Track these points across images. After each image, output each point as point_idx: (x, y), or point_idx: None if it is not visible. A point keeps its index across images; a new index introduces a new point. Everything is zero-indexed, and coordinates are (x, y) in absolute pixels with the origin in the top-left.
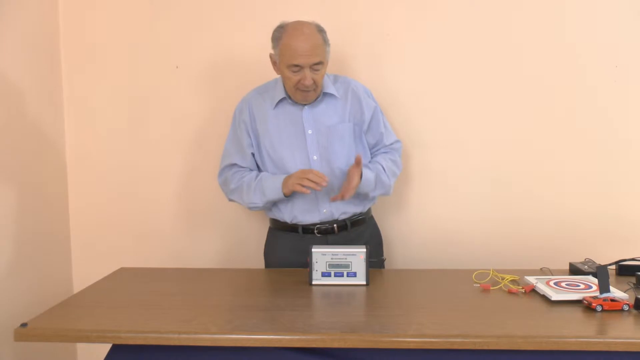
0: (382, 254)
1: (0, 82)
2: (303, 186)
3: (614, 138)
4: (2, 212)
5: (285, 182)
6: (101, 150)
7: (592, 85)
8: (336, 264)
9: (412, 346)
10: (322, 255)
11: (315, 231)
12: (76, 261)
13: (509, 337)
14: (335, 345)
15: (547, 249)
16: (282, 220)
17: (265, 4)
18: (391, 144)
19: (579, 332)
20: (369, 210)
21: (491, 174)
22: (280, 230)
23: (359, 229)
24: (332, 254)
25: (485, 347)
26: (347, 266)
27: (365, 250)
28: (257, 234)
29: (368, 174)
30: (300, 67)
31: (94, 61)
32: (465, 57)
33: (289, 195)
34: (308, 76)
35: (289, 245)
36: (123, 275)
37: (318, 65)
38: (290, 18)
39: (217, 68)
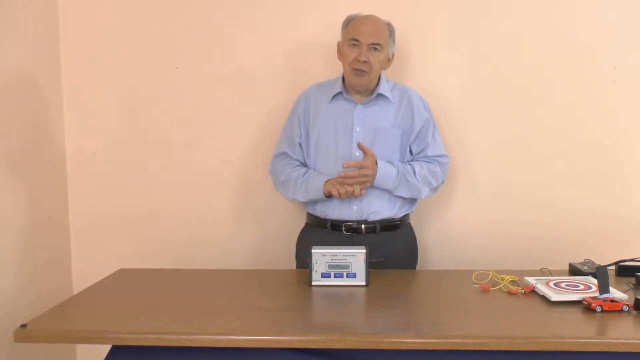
0: (415, 263)
1: (1, 83)
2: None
3: (614, 139)
4: (1, 213)
5: (325, 184)
6: (101, 151)
7: (591, 86)
8: (336, 265)
9: (412, 347)
10: (321, 256)
11: (343, 228)
12: (76, 262)
13: (509, 337)
14: (335, 346)
15: (547, 249)
16: (314, 215)
17: (265, 6)
18: (435, 155)
19: (579, 333)
20: (405, 217)
21: (491, 175)
22: (312, 226)
23: (389, 235)
24: (332, 255)
25: (485, 348)
26: (346, 267)
27: (364, 251)
28: (259, 237)
29: (387, 168)
30: (359, 44)
31: (94, 62)
32: (465, 59)
33: (328, 197)
34: (364, 52)
35: (316, 240)
36: (123, 276)
37: (376, 46)
38: (292, 21)
39: (216, 69)
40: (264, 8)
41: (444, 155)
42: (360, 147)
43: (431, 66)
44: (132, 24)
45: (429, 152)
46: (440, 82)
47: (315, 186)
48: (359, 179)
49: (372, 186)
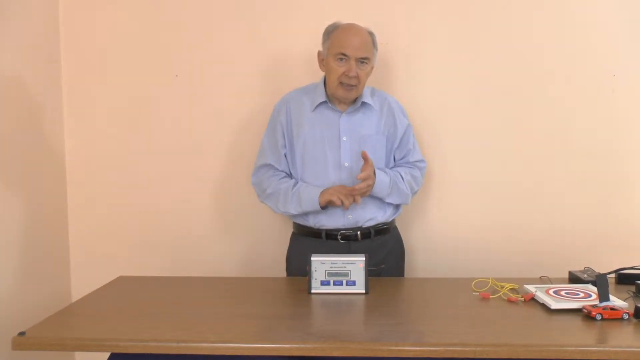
0: (402, 266)
1: (0, 90)
2: (339, 199)
3: (613, 147)
4: (0, 220)
5: (322, 194)
6: (100, 159)
7: (590, 94)
8: (335, 273)
9: (411, 354)
10: (321, 264)
11: (339, 237)
12: (75, 269)
13: (509, 345)
14: (335, 354)
15: (547, 257)
16: (306, 225)
17: (265, 15)
18: (415, 161)
19: (579, 341)
20: (393, 220)
21: (490, 182)
22: (303, 236)
23: (383, 238)
24: (331, 263)
25: (485, 356)
26: (346, 275)
27: (364, 259)
28: (259, 242)
29: (383, 177)
30: (347, 58)
31: (94, 70)
32: (465, 65)
33: (323, 208)
34: (353, 67)
35: (311, 250)
36: (122, 284)
37: (365, 60)
38: (290, 29)
39: (216, 77)
40: (258, 18)
41: (422, 160)
42: (363, 156)
43: (417, 73)
44: (132, 32)
45: (410, 158)
46: (431, 89)
47: (309, 198)
48: (364, 188)
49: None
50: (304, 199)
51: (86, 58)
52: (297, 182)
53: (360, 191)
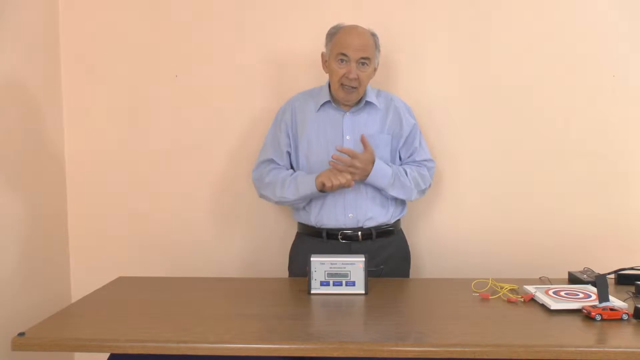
0: (407, 270)
1: (1, 92)
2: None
3: (613, 147)
4: (0, 221)
5: (317, 177)
6: (100, 159)
7: (590, 95)
8: (335, 273)
9: (411, 355)
10: (320, 265)
11: (340, 236)
12: (74, 270)
13: (508, 346)
14: (335, 354)
15: (546, 258)
16: (308, 224)
17: (263, 16)
18: (422, 160)
19: (578, 342)
20: (397, 222)
21: (490, 183)
22: (305, 235)
23: (385, 240)
24: (331, 263)
25: (485, 357)
26: (345, 275)
27: (363, 259)
28: (250, 245)
29: (384, 166)
30: (348, 59)
31: (94, 70)
32: (463, 66)
33: (320, 192)
34: (353, 69)
35: (312, 250)
36: (121, 284)
37: (365, 60)
38: (288, 30)
39: (216, 77)
40: (258, 19)
41: (430, 160)
42: (362, 140)
43: (421, 73)
44: (132, 33)
45: (417, 157)
46: (433, 89)
47: (306, 182)
48: (349, 168)
49: (366, 184)
50: (301, 183)
51: (86, 58)
52: (298, 171)
53: (344, 167)
